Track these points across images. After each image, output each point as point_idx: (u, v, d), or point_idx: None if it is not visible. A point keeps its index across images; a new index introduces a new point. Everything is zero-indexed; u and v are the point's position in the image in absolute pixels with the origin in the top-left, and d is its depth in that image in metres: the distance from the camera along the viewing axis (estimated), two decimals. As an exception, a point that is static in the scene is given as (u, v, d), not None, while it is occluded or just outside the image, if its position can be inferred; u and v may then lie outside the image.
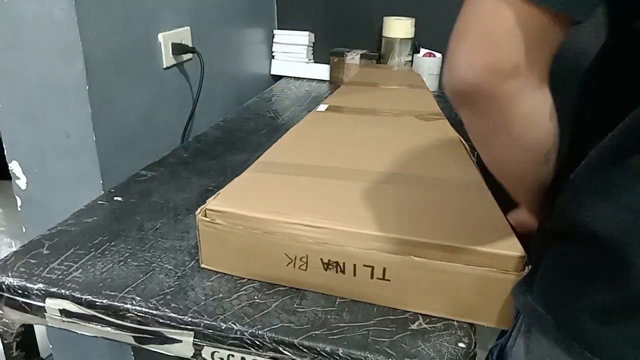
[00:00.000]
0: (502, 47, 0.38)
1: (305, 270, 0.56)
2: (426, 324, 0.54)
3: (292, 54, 1.50)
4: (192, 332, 0.54)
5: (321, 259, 0.55)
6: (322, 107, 0.95)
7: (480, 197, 0.62)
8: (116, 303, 0.56)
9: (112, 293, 0.57)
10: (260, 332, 0.52)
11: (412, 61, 1.38)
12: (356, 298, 0.56)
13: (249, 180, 0.65)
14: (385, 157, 0.73)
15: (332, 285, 0.56)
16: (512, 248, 0.51)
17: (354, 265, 0.54)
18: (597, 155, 0.44)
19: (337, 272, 0.55)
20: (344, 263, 0.55)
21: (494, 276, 0.51)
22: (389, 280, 0.54)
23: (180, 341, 0.55)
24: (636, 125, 0.41)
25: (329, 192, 0.62)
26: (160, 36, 0.96)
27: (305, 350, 0.51)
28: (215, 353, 0.54)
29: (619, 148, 0.42)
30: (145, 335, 0.56)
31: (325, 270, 0.56)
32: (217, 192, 0.61)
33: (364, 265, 0.54)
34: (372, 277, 0.54)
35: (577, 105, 0.53)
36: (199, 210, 0.58)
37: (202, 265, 0.61)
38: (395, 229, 0.54)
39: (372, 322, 0.54)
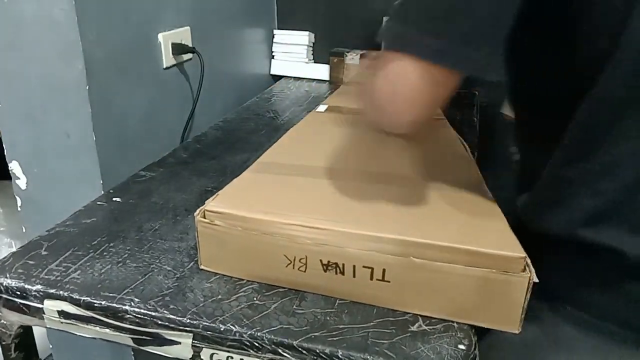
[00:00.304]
0: (432, 104, 0.49)
1: (305, 271, 0.56)
2: (426, 325, 0.53)
3: (292, 54, 1.50)
4: (190, 334, 0.54)
5: (320, 260, 0.55)
6: (322, 108, 0.95)
7: (480, 198, 0.61)
8: (115, 304, 0.56)
9: (111, 294, 0.57)
10: (259, 334, 0.52)
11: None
12: (356, 299, 0.56)
13: (248, 181, 0.65)
14: (384, 158, 0.73)
15: (331, 287, 0.56)
16: (513, 249, 0.51)
17: (354, 266, 0.54)
18: (549, 172, 0.54)
19: (336, 273, 0.55)
20: (343, 264, 0.54)
21: (494, 277, 0.51)
22: (389, 282, 0.54)
23: (179, 343, 0.55)
24: (572, 144, 0.51)
25: (329, 193, 0.62)
26: (160, 36, 0.96)
27: (304, 352, 0.51)
28: (214, 355, 0.54)
29: (563, 163, 0.52)
30: (143, 337, 0.56)
31: (325, 271, 0.55)
32: (216, 193, 0.61)
33: (364, 267, 0.54)
34: (371, 279, 0.54)
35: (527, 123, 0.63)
36: (197, 211, 0.58)
37: (201, 267, 0.61)
38: (395, 230, 0.53)
39: (372, 323, 0.53)
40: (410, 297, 0.54)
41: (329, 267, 0.55)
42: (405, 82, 0.47)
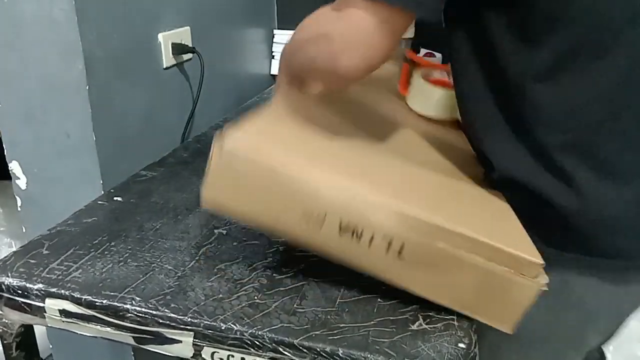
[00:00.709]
0: (386, 53, 0.52)
1: (320, 229, 0.52)
2: (426, 324, 0.54)
3: (292, 54, 1.50)
4: (191, 333, 0.54)
5: (340, 220, 0.51)
6: None
7: (497, 200, 0.61)
8: (116, 303, 0.56)
9: (112, 293, 0.57)
10: (260, 333, 0.52)
11: (412, 61, 1.38)
12: (363, 269, 0.54)
13: (273, 120, 0.59)
14: (410, 137, 0.70)
15: (341, 251, 0.53)
16: (532, 253, 0.51)
17: (373, 235, 0.51)
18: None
19: (352, 237, 0.52)
20: (362, 230, 0.51)
21: (510, 277, 0.50)
22: (404, 258, 0.52)
23: (180, 341, 0.55)
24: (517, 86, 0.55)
25: (357, 155, 0.59)
26: (160, 36, 0.96)
27: (305, 350, 0.51)
28: (215, 353, 0.54)
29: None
30: (145, 336, 0.56)
31: (340, 234, 0.52)
32: (238, 125, 0.55)
33: (383, 237, 0.51)
34: (387, 251, 0.52)
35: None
36: (216, 139, 0.53)
37: (203, 206, 0.54)
38: (424, 210, 0.52)
39: (372, 322, 0.54)
40: (421, 278, 0.53)
41: (346, 230, 0.52)
42: (365, 26, 0.50)
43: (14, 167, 0.87)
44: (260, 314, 0.54)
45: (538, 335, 0.62)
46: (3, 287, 0.59)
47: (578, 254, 0.57)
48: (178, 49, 1.01)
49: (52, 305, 0.58)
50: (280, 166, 0.52)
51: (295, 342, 0.51)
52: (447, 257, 0.51)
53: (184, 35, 1.03)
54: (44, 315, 0.59)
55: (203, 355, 0.55)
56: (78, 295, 0.57)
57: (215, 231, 0.70)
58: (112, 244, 0.66)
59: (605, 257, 0.57)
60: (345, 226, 0.52)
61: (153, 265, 0.62)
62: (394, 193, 0.54)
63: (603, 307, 0.60)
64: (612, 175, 0.54)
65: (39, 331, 0.66)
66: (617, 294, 0.59)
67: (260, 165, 0.52)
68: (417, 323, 0.54)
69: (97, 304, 0.56)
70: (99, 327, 0.57)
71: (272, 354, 0.52)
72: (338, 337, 0.51)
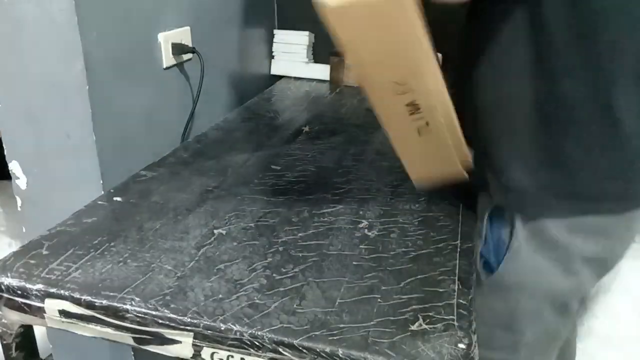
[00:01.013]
0: None
1: (394, 96, 0.57)
2: (426, 324, 0.54)
3: (292, 54, 1.50)
4: (191, 333, 0.54)
5: (413, 100, 0.57)
6: None
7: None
8: (115, 304, 0.56)
9: (112, 294, 0.57)
10: (259, 333, 0.52)
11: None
12: (395, 142, 0.63)
13: None
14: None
15: (393, 122, 0.61)
16: (469, 155, 0.65)
17: (422, 114, 0.58)
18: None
19: (409, 112, 0.58)
20: (424, 108, 0.58)
21: (458, 164, 0.64)
22: (421, 136, 0.60)
23: (180, 342, 0.55)
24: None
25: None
26: (160, 36, 0.96)
27: (304, 351, 0.51)
28: (215, 354, 0.54)
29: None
30: (144, 336, 0.56)
31: (405, 107, 0.58)
32: None
33: (425, 119, 0.59)
34: (418, 131, 0.60)
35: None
36: None
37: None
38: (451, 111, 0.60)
39: (372, 323, 0.54)
40: (416, 146, 0.62)
41: (412, 106, 0.58)
42: None
43: (14, 167, 0.87)
44: (260, 315, 0.54)
45: (521, 279, 0.69)
46: (3, 287, 0.59)
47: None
48: (178, 49, 1.00)
49: (52, 305, 0.58)
50: (419, 34, 0.54)
51: (295, 342, 0.51)
52: (443, 142, 0.61)
53: (184, 35, 1.03)
54: (44, 316, 0.59)
55: (203, 356, 0.55)
56: (78, 296, 0.57)
57: (215, 231, 0.70)
58: (112, 244, 0.66)
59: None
60: (415, 105, 0.58)
61: (153, 265, 0.62)
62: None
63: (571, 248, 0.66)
64: (615, 129, 0.60)
65: (39, 331, 0.66)
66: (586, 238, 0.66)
67: (405, 22, 0.54)
68: (417, 323, 0.54)
69: (96, 304, 0.56)
70: (98, 327, 0.57)
71: (271, 355, 0.52)
72: (338, 337, 0.51)
